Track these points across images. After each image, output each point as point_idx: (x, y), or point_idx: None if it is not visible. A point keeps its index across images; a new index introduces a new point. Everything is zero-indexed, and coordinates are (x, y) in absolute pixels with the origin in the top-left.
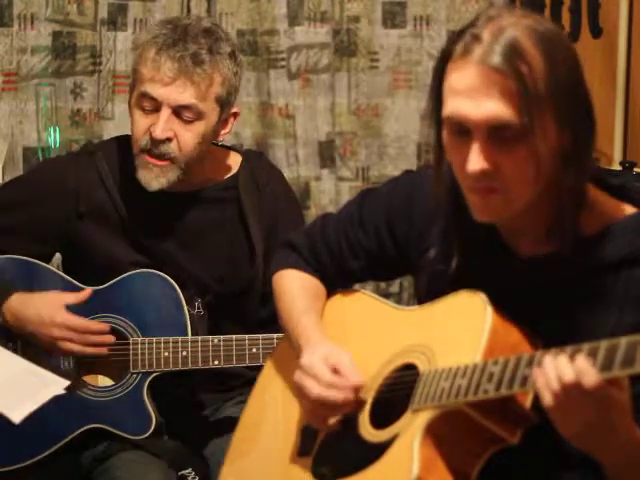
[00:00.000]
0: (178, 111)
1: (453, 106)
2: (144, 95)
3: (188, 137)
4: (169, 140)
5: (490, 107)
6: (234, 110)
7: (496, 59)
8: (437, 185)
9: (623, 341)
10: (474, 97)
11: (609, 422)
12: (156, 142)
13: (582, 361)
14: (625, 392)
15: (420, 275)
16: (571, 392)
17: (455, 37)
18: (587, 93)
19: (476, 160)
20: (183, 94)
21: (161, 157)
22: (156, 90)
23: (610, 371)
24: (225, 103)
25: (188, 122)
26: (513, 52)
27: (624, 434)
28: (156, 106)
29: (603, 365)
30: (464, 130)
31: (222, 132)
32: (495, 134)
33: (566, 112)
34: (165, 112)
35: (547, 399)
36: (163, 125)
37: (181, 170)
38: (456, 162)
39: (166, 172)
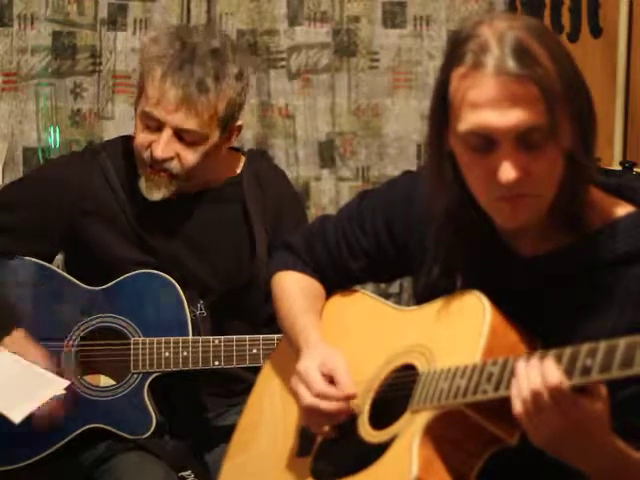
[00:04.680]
0: (180, 133)
1: (477, 119)
2: (148, 115)
3: (190, 156)
4: (170, 159)
5: (517, 115)
6: (239, 123)
7: (511, 66)
8: (444, 198)
9: (602, 345)
10: (499, 108)
11: (579, 431)
12: (157, 160)
13: (549, 368)
14: (600, 401)
15: (418, 276)
16: (539, 400)
17: (454, 49)
18: (587, 87)
19: (510, 169)
20: (186, 121)
21: (163, 171)
22: (159, 114)
23: (572, 376)
24: (229, 120)
25: (190, 144)
26: (525, 55)
27: (599, 443)
28: (159, 125)
29: (567, 370)
30: (488, 142)
31: (224, 147)
32: (522, 140)
33: (576, 107)
34: (166, 134)
35: (517, 407)
36: (163, 146)
37: (182, 181)
38: (479, 175)
39: (167, 184)
